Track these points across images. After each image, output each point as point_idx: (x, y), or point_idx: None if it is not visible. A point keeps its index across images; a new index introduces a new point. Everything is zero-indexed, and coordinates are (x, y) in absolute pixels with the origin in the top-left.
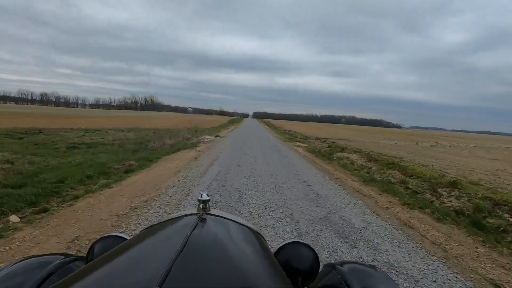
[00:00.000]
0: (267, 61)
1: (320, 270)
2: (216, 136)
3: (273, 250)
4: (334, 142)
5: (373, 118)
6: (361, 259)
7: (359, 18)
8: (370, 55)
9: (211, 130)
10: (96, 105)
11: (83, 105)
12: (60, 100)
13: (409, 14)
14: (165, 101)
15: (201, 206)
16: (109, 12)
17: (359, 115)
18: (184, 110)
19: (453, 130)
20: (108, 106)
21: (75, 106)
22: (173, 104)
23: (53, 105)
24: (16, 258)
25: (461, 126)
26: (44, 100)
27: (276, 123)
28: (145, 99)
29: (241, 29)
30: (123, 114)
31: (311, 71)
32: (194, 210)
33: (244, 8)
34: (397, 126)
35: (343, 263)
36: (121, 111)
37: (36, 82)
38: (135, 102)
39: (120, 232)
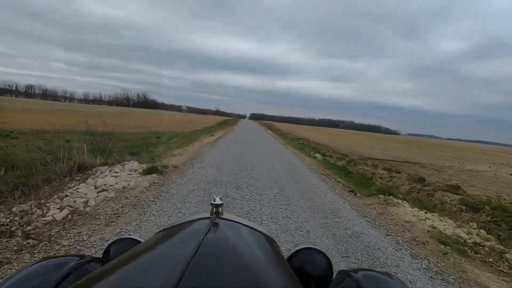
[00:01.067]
0: (265, 63)
1: (334, 276)
2: (155, 174)
3: (286, 256)
4: (424, 180)
5: (371, 124)
6: None
7: (357, 23)
8: (367, 61)
9: (183, 138)
10: (85, 100)
11: (71, 99)
12: (47, 93)
13: (407, 20)
14: (164, 100)
15: (214, 210)
16: (106, 9)
17: (355, 120)
18: (178, 109)
19: (449, 139)
20: (98, 101)
21: (63, 100)
22: (171, 103)
23: (39, 98)
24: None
25: (456, 134)
26: (29, 92)
27: (280, 126)
28: (138, 96)
29: (239, 30)
30: (97, 109)
31: (308, 75)
32: (207, 214)
33: (242, 9)
34: (395, 133)
35: (357, 270)
36: (111, 107)
37: (33, 76)
38: (127, 99)
39: (134, 235)
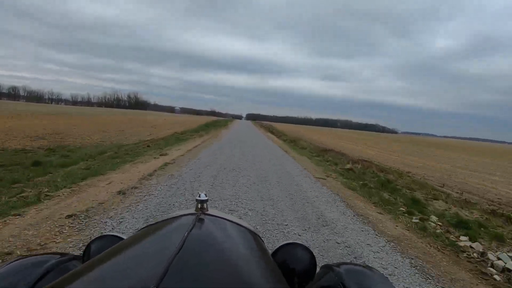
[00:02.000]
0: (260, 63)
1: (317, 271)
2: None
3: (270, 251)
4: None
5: (369, 123)
6: None
7: (349, 22)
8: (360, 60)
9: (90, 167)
10: (73, 102)
11: (58, 101)
12: (33, 94)
13: (399, 19)
14: (161, 101)
15: (199, 206)
16: (97, 8)
17: (350, 119)
18: (171, 110)
19: (444, 137)
20: (87, 103)
21: (49, 102)
22: (168, 104)
23: (24, 100)
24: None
25: (450, 132)
26: (13, 94)
27: (281, 128)
28: (128, 96)
29: (231, 30)
30: (56, 109)
31: (302, 74)
32: (192, 210)
33: (237, 9)
34: (393, 131)
35: (339, 264)
36: (99, 109)
37: (25, 78)
38: (118, 99)
39: (117, 232)
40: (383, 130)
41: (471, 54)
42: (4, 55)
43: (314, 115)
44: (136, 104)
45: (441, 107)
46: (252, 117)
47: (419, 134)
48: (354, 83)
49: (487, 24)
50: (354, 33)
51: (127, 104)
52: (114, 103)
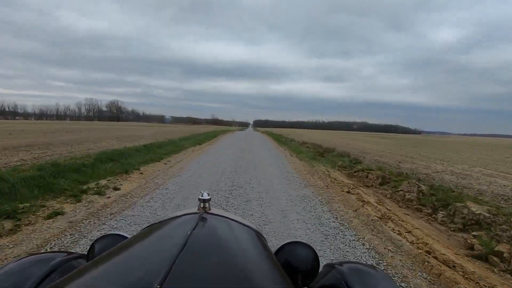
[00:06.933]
0: (257, 67)
1: (320, 269)
2: None
3: (273, 250)
4: None
5: (388, 124)
6: None
7: (342, 18)
8: (360, 58)
9: None
10: (34, 116)
11: (15, 115)
12: None
13: (393, 11)
14: (158, 111)
15: (202, 205)
16: (88, 22)
17: (360, 119)
18: (161, 120)
19: (463, 134)
20: (56, 116)
21: (10, 117)
22: (160, 113)
23: None
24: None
25: (464, 129)
26: None
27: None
28: (108, 107)
29: (224, 35)
30: None
31: (302, 76)
32: (195, 209)
33: (222, 12)
34: (415, 132)
35: (342, 263)
36: (70, 122)
37: (32, 96)
38: (98, 111)
39: (121, 231)
40: (403, 130)
41: (476, 44)
42: (8, 75)
43: (321, 118)
44: (118, 114)
45: (450, 103)
46: (260, 124)
47: (434, 133)
48: (356, 82)
49: (487, 12)
50: (349, 30)
51: (108, 115)
52: (92, 115)
